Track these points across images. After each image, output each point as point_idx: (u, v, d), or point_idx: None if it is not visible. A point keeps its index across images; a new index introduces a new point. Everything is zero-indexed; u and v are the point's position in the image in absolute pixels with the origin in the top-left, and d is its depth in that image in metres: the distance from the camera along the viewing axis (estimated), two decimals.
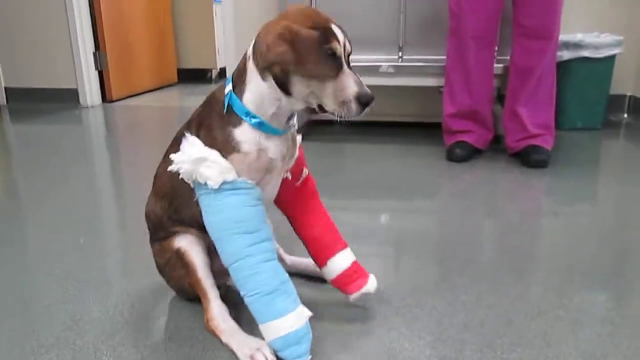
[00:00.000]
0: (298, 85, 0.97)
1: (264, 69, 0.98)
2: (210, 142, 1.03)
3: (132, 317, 1.18)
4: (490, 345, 1.05)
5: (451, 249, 1.48)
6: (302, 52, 0.93)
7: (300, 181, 1.18)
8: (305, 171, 1.20)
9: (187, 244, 1.12)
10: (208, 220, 1.05)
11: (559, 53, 2.67)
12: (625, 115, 3.12)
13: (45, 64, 3.86)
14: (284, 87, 0.98)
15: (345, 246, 1.20)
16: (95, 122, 3.45)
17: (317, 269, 1.23)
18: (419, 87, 2.71)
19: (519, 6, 2.19)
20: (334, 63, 0.96)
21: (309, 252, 1.21)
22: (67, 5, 3.84)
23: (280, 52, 0.93)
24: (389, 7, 2.91)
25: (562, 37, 2.71)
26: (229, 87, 1.04)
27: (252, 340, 1.06)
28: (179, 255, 1.12)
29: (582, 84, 2.75)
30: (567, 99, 2.78)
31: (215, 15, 5.13)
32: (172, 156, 1.05)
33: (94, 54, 3.99)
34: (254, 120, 1.02)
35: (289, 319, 1.01)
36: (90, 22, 3.99)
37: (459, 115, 2.36)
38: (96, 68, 4.02)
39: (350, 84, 0.96)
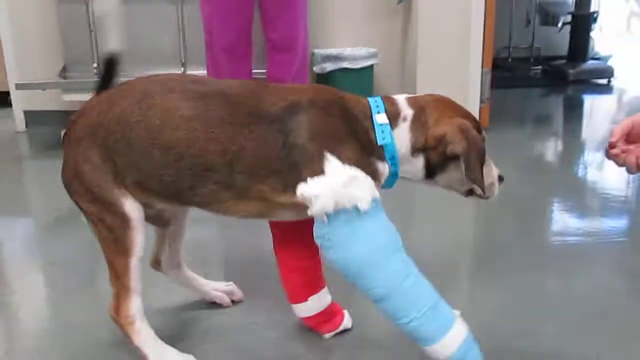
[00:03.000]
0: (454, 174, 1.01)
1: (419, 149, 1.00)
2: (341, 159, 0.93)
3: None
4: None
5: None
6: (477, 150, 0.97)
7: None
8: None
9: (139, 221, 1.01)
10: (351, 255, 0.92)
11: (322, 65, 2.92)
12: None
13: None
14: (432, 170, 1.01)
15: (325, 284, 1.16)
16: None
17: (211, 293, 1.26)
18: None
19: (266, 22, 2.39)
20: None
21: (289, 282, 1.14)
22: None
23: (464, 147, 0.96)
24: (169, 25, 3.02)
25: (324, 50, 2.98)
26: (384, 118, 0.99)
27: (178, 355, 1.04)
28: (126, 223, 0.99)
29: (347, 92, 3.01)
30: None
31: None
32: (304, 191, 0.91)
33: None
34: (393, 169, 1.00)
35: (459, 322, 0.95)
36: None
37: None
38: None
39: (493, 168, 1.06)
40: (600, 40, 5.19)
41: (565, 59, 4.61)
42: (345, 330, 1.17)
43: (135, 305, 1.03)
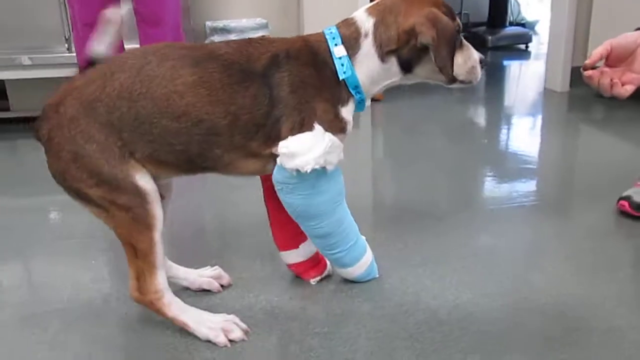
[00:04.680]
0: (429, 64, 1.03)
1: (392, 52, 1.03)
2: (310, 114, 1.00)
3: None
4: None
5: None
6: (446, 38, 0.99)
7: None
8: None
9: (154, 192, 0.98)
10: (308, 202, 1.06)
11: (211, 38, 2.85)
12: None
13: None
14: (407, 66, 1.05)
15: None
16: None
17: (198, 280, 1.21)
18: None
19: None
20: (459, 38, 1.05)
21: (277, 232, 1.21)
22: None
23: (432, 36, 0.98)
24: None
25: (212, 22, 2.90)
26: (341, 50, 1.02)
27: (214, 316, 1.05)
28: (144, 199, 0.97)
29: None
30: None
31: None
32: (289, 147, 0.98)
33: None
34: (359, 96, 1.06)
35: (368, 252, 1.22)
36: None
37: None
38: None
39: (472, 52, 1.09)
40: (527, 5, 5.18)
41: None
42: (328, 277, 1.27)
43: (163, 280, 1.03)
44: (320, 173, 1.03)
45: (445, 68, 1.00)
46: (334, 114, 1.03)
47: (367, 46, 1.04)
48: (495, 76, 3.88)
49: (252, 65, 0.99)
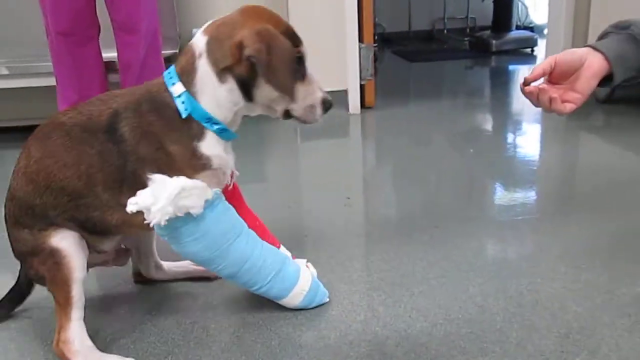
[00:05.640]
0: (266, 90, 0.95)
1: (226, 69, 0.93)
2: (165, 161, 0.95)
3: None
4: None
5: None
6: (278, 56, 0.91)
7: (231, 184, 1.11)
8: (237, 173, 1.12)
9: (69, 246, 0.99)
10: (194, 250, 1.00)
11: None
12: None
13: None
14: (247, 91, 0.95)
15: (280, 244, 1.19)
16: None
17: (197, 268, 1.25)
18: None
19: (108, 1, 2.23)
20: (301, 68, 0.97)
21: None
22: None
23: (258, 49, 0.89)
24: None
25: (196, 30, 2.82)
26: (179, 87, 0.95)
27: (111, 357, 1.01)
28: (57, 257, 0.98)
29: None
30: None
31: None
32: (138, 203, 0.92)
33: None
34: (216, 127, 0.96)
35: (304, 274, 1.12)
36: None
37: None
38: None
39: (316, 89, 0.99)
40: (534, 8, 5.04)
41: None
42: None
43: (77, 331, 1.01)
44: (187, 219, 0.96)
45: (281, 86, 0.94)
46: (190, 153, 0.96)
47: (203, 66, 0.95)
48: (499, 81, 3.76)
49: (94, 124, 0.97)
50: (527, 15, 5.03)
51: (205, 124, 0.96)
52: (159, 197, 0.91)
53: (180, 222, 0.95)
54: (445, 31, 5.34)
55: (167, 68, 1.01)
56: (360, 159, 2.33)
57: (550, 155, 2.21)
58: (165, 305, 1.20)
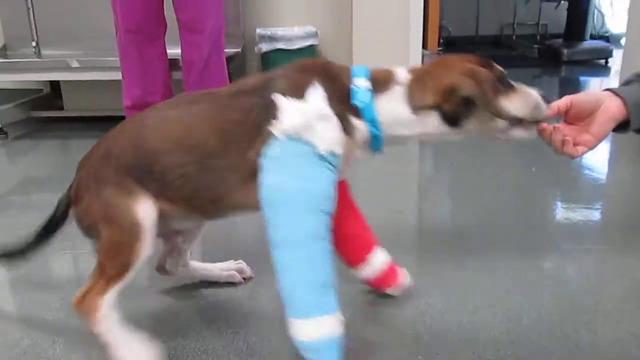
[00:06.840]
0: (481, 117, 0.98)
1: (429, 107, 0.98)
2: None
3: None
4: None
5: None
6: (486, 85, 0.95)
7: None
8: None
9: (151, 225, 0.99)
10: (289, 185, 0.92)
11: (260, 45, 2.80)
12: None
13: None
14: (453, 120, 0.98)
15: (378, 243, 1.19)
16: None
17: (223, 274, 1.28)
18: None
19: (175, 1, 2.27)
20: (505, 82, 0.99)
21: (341, 250, 1.15)
22: None
23: (472, 86, 0.95)
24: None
25: (262, 30, 2.84)
26: (364, 82, 0.99)
27: (132, 337, 1.01)
28: (135, 230, 0.97)
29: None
30: None
31: None
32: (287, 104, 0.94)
33: None
34: (373, 130, 0.99)
35: (335, 320, 0.93)
36: None
37: (134, 107, 2.42)
38: None
39: (530, 90, 1.01)
40: (612, 17, 4.79)
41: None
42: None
43: (109, 301, 1.00)
44: (307, 151, 0.93)
45: (500, 110, 0.96)
46: (337, 102, 0.97)
47: (398, 93, 1.00)
48: (568, 92, 3.57)
49: (242, 86, 1.02)
50: (603, 24, 4.79)
51: (367, 122, 0.99)
52: (309, 105, 0.95)
53: (299, 147, 0.93)
54: (514, 37, 5.17)
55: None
56: (417, 167, 2.28)
57: (619, 176, 2.09)
58: (210, 310, 1.21)
